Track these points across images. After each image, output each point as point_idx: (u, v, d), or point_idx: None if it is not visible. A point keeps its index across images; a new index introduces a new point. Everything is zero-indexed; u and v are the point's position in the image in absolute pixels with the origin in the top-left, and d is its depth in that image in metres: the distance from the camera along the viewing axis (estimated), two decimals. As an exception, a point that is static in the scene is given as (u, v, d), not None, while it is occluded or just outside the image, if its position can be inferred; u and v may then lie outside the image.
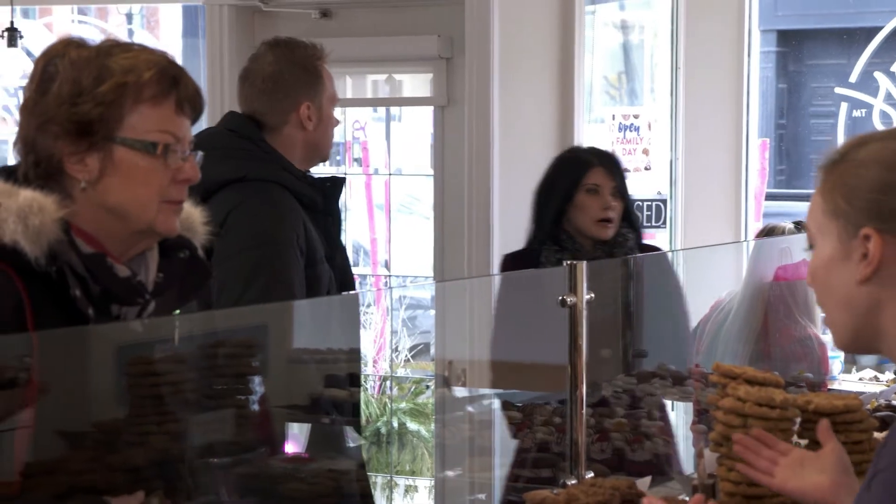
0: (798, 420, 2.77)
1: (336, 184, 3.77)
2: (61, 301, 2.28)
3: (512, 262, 4.43)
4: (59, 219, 2.28)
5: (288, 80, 3.73)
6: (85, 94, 2.33)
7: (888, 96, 7.29)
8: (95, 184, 2.35)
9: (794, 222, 4.89)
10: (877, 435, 2.83)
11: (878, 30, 7.50)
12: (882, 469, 1.82)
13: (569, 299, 3.02)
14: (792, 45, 9.89)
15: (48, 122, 2.34)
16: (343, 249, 3.88)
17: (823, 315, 2.07)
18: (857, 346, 2.05)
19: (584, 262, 3.08)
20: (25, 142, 2.37)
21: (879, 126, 7.02)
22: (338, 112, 3.91)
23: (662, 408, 3.84)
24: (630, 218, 4.32)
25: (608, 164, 4.29)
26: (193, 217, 2.53)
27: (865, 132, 2.09)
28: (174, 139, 2.38)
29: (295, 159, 3.70)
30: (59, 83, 2.35)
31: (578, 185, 4.22)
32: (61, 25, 10.10)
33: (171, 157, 2.38)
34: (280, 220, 3.55)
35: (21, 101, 2.44)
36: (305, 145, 3.73)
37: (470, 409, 3.61)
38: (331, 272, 3.67)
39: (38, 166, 2.35)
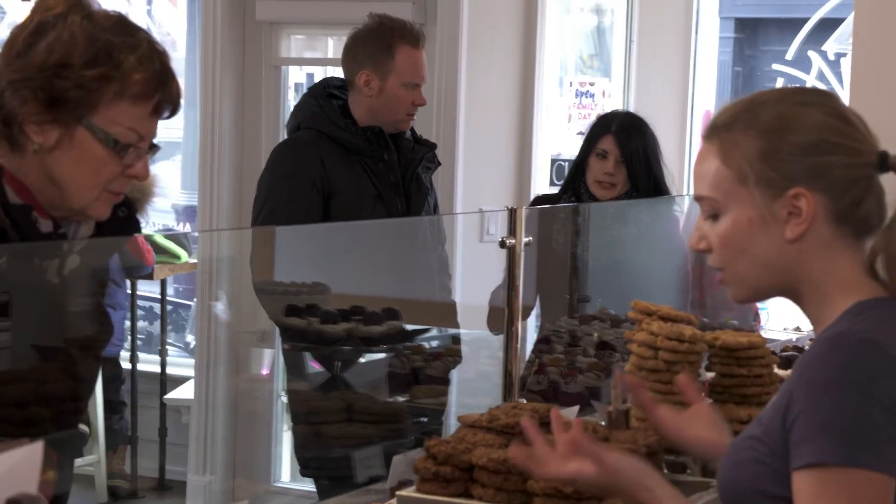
0: (706, 354, 2.77)
1: (380, 134, 3.86)
2: None
3: (536, 202, 4.59)
4: None
5: (358, 48, 3.89)
6: (70, 70, 2.09)
7: (819, 74, 7.32)
8: (47, 152, 2.12)
9: None
10: (778, 371, 2.83)
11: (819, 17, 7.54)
12: (802, 411, 1.73)
13: (508, 241, 3.00)
14: (747, 32, 9.93)
15: (22, 83, 2.09)
16: (408, 192, 3.93)
17: (720, 274, 1.89)
18: (759, 298, 1.96)
19: (524, 208, 3.07)
20: None
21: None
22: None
23: None
24: (639, 185, 4.20)
25: (623, 134, 4.19)
26: (148, 181, 2.38)
27: (737, 98, 1.94)
28: (138, 138, 2.16)
29: (357, 115, 3.86)
30: (48, 46, 2.09)
31: (591, 149, 4.23)
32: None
33: (128, 155, 2.16)
34: (292, 158, 3.82)
35: (6, 38, 2.16)
36: (367, 109, 3.87)
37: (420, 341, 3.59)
38: (377, 207, 3.81)
39: None
